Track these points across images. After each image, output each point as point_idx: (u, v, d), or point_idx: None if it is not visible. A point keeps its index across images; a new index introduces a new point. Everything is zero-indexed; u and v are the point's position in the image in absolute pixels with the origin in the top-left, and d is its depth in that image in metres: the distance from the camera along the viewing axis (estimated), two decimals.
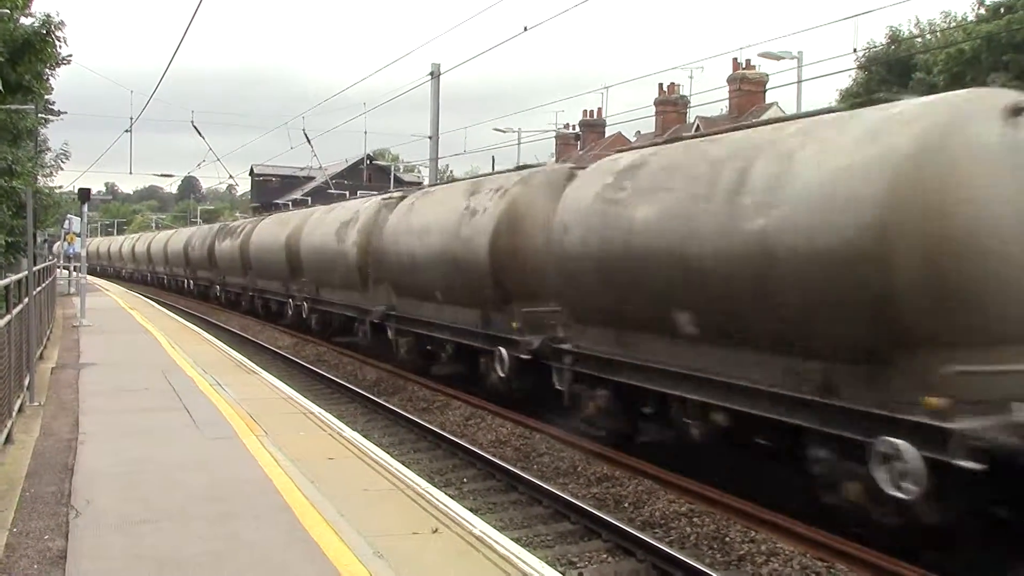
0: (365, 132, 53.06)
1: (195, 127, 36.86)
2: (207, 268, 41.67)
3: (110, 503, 7.72)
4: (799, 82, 28.18)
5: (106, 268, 79.02)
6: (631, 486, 10.77)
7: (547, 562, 6.88)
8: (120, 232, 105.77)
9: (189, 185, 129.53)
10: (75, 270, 40.50)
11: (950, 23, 41.72)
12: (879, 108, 9.19)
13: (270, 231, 31.64)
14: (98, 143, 54.27)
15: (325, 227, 24.94)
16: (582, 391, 12.64)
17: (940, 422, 7.48)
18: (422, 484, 8.48)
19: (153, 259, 57.76)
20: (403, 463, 9.88)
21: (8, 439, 10.00)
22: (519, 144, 45.68)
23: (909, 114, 8.57)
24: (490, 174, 19.81)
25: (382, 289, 20.60)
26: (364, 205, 23.25)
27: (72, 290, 37.94)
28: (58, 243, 43.95)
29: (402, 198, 21.08)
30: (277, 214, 37.44)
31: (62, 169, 30.91)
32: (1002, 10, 33.85)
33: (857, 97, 40.43)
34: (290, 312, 28.56)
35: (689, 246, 10.09)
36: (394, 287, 19.80)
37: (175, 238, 51.94)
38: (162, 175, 63.40)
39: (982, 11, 35.95)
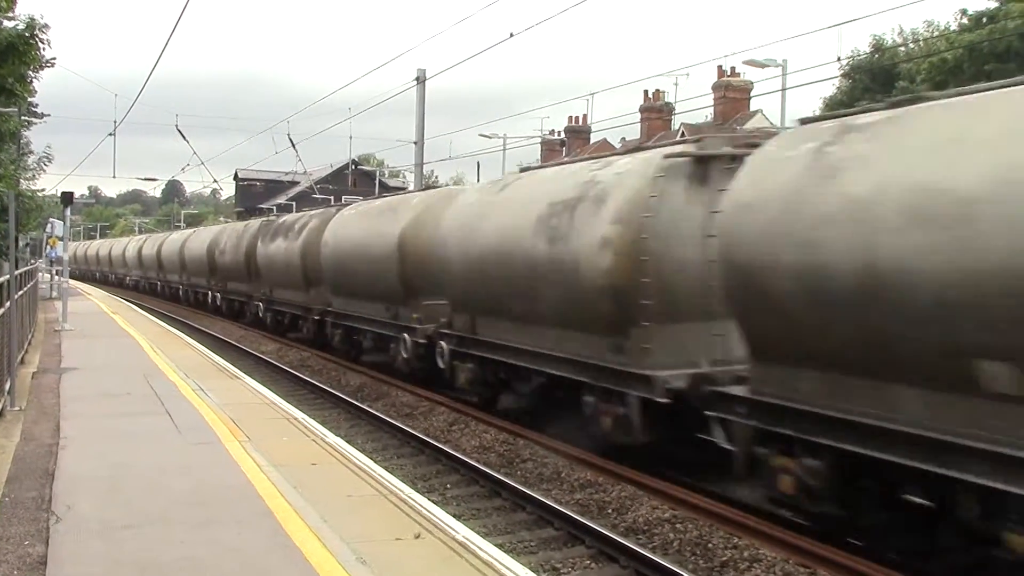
0: (350, 137, 53.07)
1: (179, 131, 36.82)
2: (244, 279, 31.84)
3: (91, 508, 7.67)
4: (783, 90, 28.39)
5: (106, 275, 69.07)
6: (614, 492, 10.78)
7: (530, 568, 6.88)
8: (103, 235, 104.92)
9: (173, 189, 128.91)
10: (57, 274, 39.95)
11: (933, 32, 42.09)
12: None
13: (365, 226, 21.04)
14: (81, 146, 54.25)
15: (507, 214, 14.26)
16: None
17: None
18: (405, 490, 8.47)
19: (164, 265, 47.31)
20: (386, 469, 9.86)
21: None
22: (504, 150, 45.70)
23: None
24: None
25: (691, 334, 10.86)
26: (604, 173, 12.37)
27: (54, 294, 37.69)
28: (57, 248, 38.18)
29: (750, 145, 10.65)
30: (366, 201, 25.41)
31: (45, 172, 30.79)
32: (984, 20, 34.16)
33: (841, 106, 40.72)
34: (405, 353, 18.14)
35: None
36: (767, 337, 9.26)
37: (195, 239, 41.18)
38: (146, 179, 63.58)
39: (964, 21, 36.26)
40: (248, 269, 30.78)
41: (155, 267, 50.13)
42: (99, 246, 78.92)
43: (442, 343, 16.21)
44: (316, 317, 23.95)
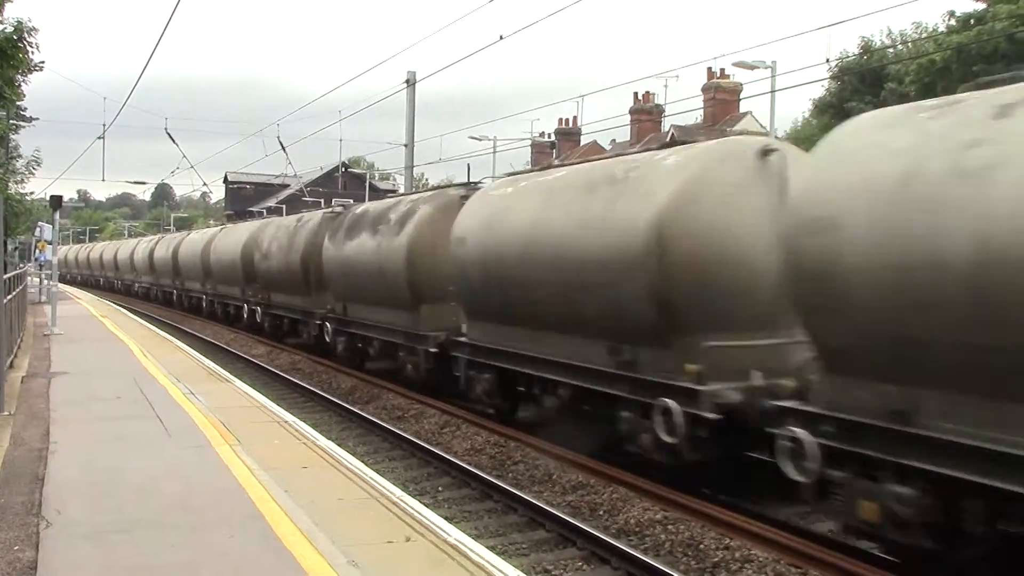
0: (340, 140, 52.82)
1: (168, 134, 36.70)
2: (299, 290, 24.50)
3: (81, 513, 7.64)
4: (772, 92, 28.45)
5: (111, 281, 62.14)
6: (606, 494, 10.79)
7: (522, 570, 6.88)
8: (92, 239, 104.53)
9: (162, 192, 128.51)
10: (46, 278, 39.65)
11: (921, 34, 42.22)
12: None
13: (555, 209, 12.76)
14: (70, 150, 53.86)
15: None
16: None
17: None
18: (396, 493, 8.46)
19: (182, 271, 40.59)
20: (378, 472, 9.86)
21: None
22: (495, 152, 45.73)
23: None
24: None
25: None
26: None
27: (43, 298, 37.53)
28: (46, 252, 32.53)
29: None
30: (534, 171, 17.61)
31: (34, 175, 30.64)
32: (972, 21, 34.29)
33: (829, 107, 40.88)
34: (668, 435, 10.39)
35: None
36: None
37: (224, 240, 34.07)
38: (135, 182, 62.81)
39: (952, 22, 36.39)
40: (306, 278, 23.81)
41: (170, 273, 42.98)
42: (103, 249, 70.07)
43: (802, 434, 8.50)
44: (433, 350, 16.54)
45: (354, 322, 20.69)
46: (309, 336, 24.16)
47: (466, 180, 24.11)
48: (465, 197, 16.63)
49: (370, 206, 21.66)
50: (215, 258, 34.22)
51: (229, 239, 33.28)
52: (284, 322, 26.87)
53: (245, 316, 30.32)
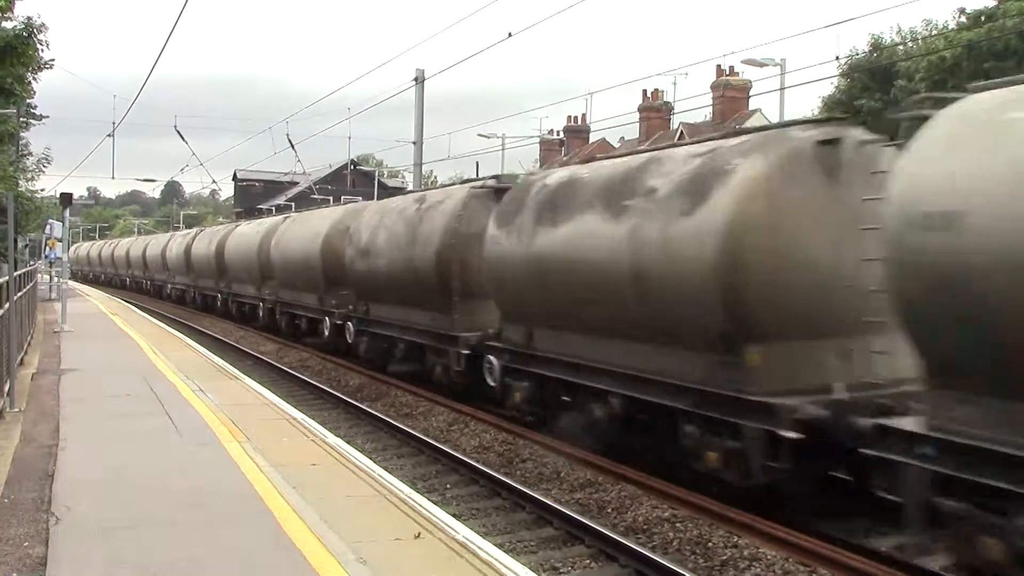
0: (349, 137, 52.94)
1: (178, 132, 36.89)
2: (424, 303, 17.24)
3: (90, 510, 7.66)
4: (782, 89, 28.43)
5: (139, 281, 55.31)
6: (614, 491, 10.78)
7: (530, 567, 6.88)
8: (102, 236, 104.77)
9: (172, 190, 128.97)
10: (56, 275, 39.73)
11: (931, 31, 42.06)
12: None
13: None
14: (80, 147, 54.14)
15: None
16: None
17: None
18: (405, 490, 8.47)
19: (229, 271, 33.88)
20: (386, 469, 9.86)
21: None
22: (503, 150, 45.72)
23: None
24: None
25: None
26: None
27: (53, 295, 37.65)
28: (56, 249, 30.45)
29: None
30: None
31: (44, 173, 30.81)
32: (983, 18, 34.16)
33: (839, 105, 40.76)
34: None
35: None
36: None
37: (293, 230, 27.10)
38: (145, 180, 63.00)
39: (963, 19, 36.26)
40: (443, 285, 16.44)
41: (213, 273, 36.00)
42: (129, 245, 62.02)
43: None
44: (791, 436, 8.97)
45: (545, 358, 13.13)
46: (447, 372, 16.57)
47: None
48: (828, 141, 9.82)
49: (585, 171, 13.12)
50: (278, 255, 27.24)
51: (302, 230, 26.03)
52: (397, 346, 19.06)
53: (327, 332, 22.99)
